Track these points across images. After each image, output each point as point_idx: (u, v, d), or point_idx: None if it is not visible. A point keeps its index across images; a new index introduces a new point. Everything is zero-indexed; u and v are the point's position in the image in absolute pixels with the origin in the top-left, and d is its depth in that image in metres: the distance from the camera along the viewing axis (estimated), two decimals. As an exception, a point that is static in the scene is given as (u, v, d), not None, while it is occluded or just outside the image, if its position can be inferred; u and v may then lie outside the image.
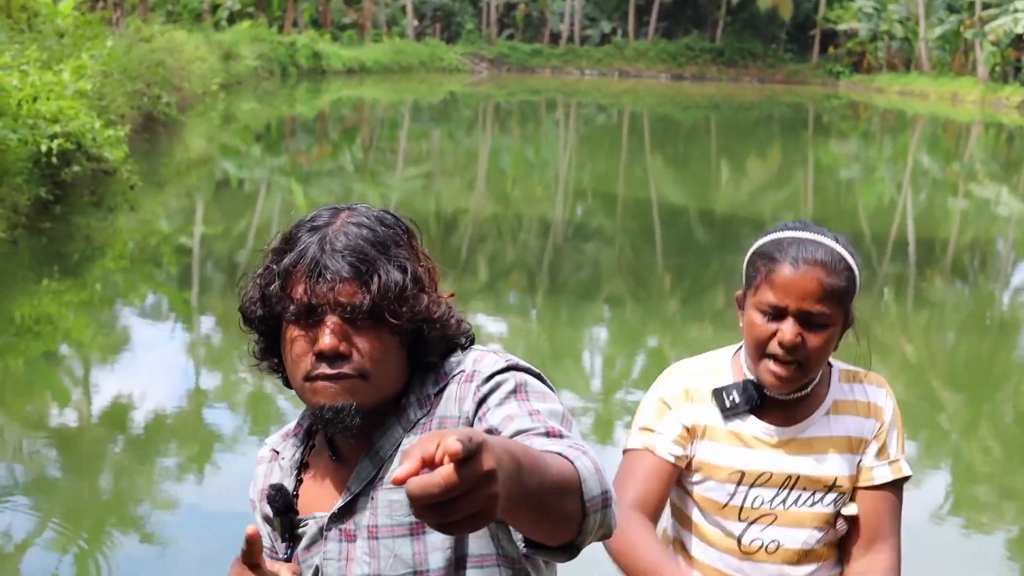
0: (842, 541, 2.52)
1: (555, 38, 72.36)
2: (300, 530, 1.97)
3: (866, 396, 2.50)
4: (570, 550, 1.60)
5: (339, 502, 1.91)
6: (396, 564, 1.85)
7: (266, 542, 2.04)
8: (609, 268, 12.79)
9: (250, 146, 24.76)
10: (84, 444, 6.84)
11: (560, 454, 1.59)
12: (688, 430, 2.49)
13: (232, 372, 8.61)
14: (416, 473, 1.28)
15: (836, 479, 2.46)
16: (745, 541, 2.50)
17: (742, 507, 2.48)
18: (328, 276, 1.82)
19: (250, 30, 43.88)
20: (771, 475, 2.46)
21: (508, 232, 15.38)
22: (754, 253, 2.44)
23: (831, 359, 2.51)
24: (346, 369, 1.82)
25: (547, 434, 1.71)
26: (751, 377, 2.46)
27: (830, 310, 2.33)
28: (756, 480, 2.46)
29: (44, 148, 12.38)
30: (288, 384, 1.95)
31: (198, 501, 6.08)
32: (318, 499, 1.96)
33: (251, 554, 1.78)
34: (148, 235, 13.41)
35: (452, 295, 1.97)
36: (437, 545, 1.84)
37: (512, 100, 47.14)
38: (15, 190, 11.80)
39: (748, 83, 67.08)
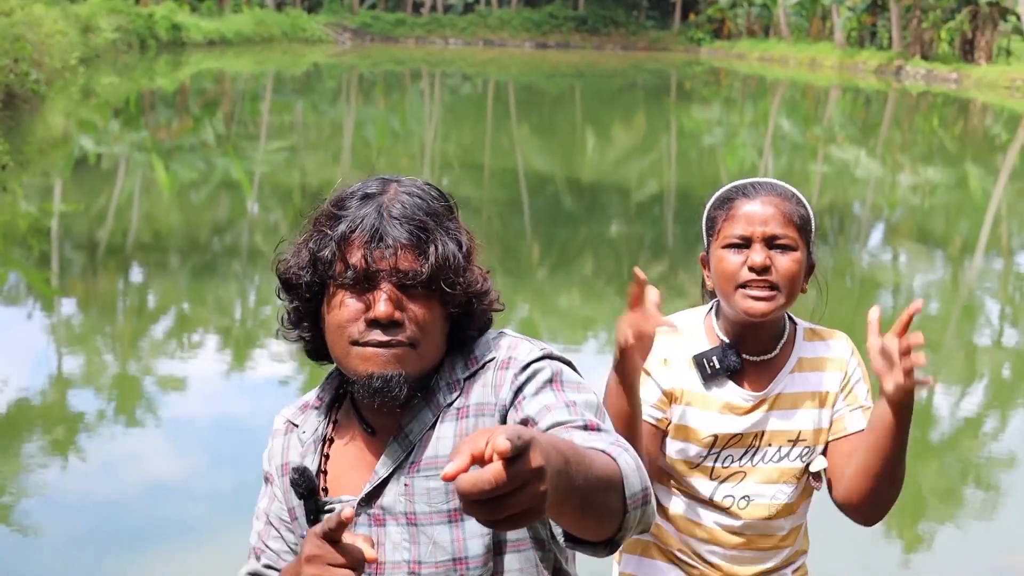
0: (830, 487, 2.55)
1: (418, 7, 71.95)
2: (326, 511, 1.93)
3: (829, 352, 2.56)
4: (610, 545, 1.61)
5: (367, 487, 1.89)
6: (435, 551, 1.85)
7: (283, 516, 2.01)
8: (477, 238, 12.79)
9: (110, 122, 24.14)
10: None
11: (603, 451, 1.60)
12: (667, 394, 2.53)
13: (96, 354, 8.42)
14: (465, 470, 1.26)
15: (800, 432, 2.51)
16: (717, 498, 2.55)
17: (713, 467, 2.54)
18: (388, 242, 1.83)
19: (107, 2, 42.72)
20: (741, 436, 2.51)
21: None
22: (710, 207, 2.53)
23: (796, 319, 2.59)
24: (400, 337, 1.83)
25: (585, 427, 1.73)
26: (726, 340, 2.52)
27: (792, 233, 2.42)
28: (728, 442, 2.52)
29: None
30: (314, 355, 1.95)
31: (63, 486, 5.94)
32: (343, 479, 1.93)
33: (336, 532, 1.70)
34: (19, 217, 13.00)
35: (489, 271, 1.97)
36: (476, 532, 1.84)
37: (376, 70, 46.77)
38: None
39: (611, 51, 67.60)
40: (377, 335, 1.83)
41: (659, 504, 2.62)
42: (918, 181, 19.71)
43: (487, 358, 1.90)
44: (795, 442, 2.52)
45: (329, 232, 1.88)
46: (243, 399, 7.62)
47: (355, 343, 1.84)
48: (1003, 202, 17.52)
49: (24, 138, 18.84)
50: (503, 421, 1.83)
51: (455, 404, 1.88)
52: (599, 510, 1.54)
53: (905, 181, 19.84)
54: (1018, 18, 42.34)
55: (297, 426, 2.03)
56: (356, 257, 1.84)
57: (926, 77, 44.07)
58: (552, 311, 9.84)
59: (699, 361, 2.50)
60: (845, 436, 2.53)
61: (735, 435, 2.51)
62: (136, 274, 11.28)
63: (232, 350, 8.66)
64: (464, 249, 1.91)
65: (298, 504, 1.96)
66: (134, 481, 6.07)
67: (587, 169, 20.22)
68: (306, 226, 1.96)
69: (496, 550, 1.86)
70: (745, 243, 2.43)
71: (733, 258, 2.43)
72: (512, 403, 1.84)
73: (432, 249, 1.84)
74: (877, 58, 48.98)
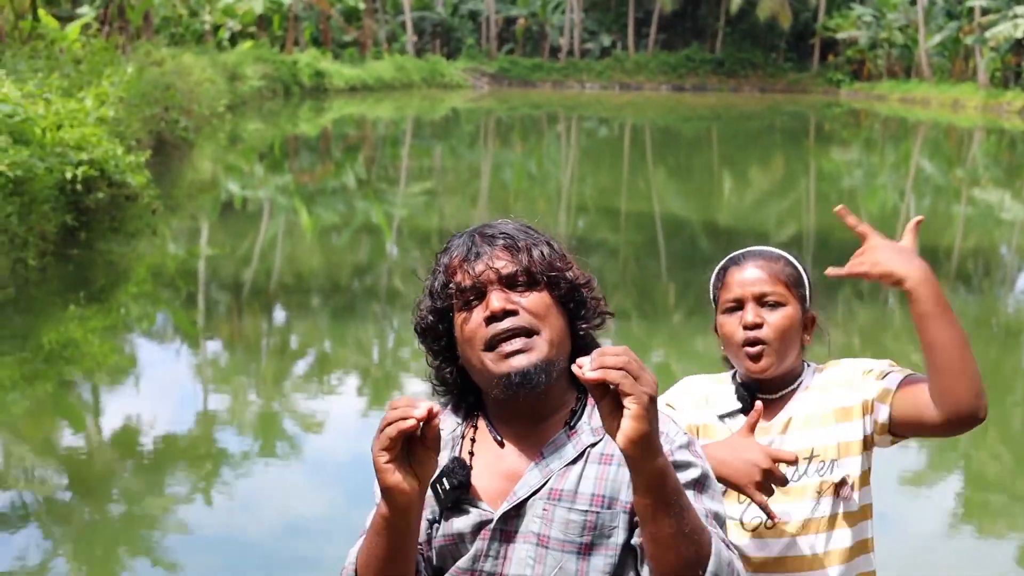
0: (917, 425, 2.62)
1: (555, 52, 72.43)
2: (462, 506, 2.06)
3: (839, 373, 2.71)
4: None
5: (506, 505, 2.02)
6: (559, 574, 1.98)
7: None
8: (613, 282, 12.80)
9: (255, 167, 24.81)
10: (95, 467, 6.86)
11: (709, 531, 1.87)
12: (688, 429, 2.65)
13: (239, 393, 8.63)
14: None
15: (812, 449, 2.65)
16: (746, 520, 2.68)
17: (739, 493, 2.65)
18: (484, 256, 2.04)
19: (253, 50, 43.97)
20: None
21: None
22: (712, 279, 2.79)
23: (808, 362, 2.77)
24: (518, 323, 2.00)
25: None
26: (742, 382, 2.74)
27: (779, 289, 2.65)
28: None
29: (69, 175, 12.57)
30: (461, 393, 2.12)
31: (205, 522, 6.10)
32: (479, 487, 2.06)
33: (430, 430, 1.88)
34: (168, 259, 13.47)
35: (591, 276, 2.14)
36: (599, 568, 1.98)
37: (514, 115, 47.20)
38: (43, 218, 11.97)
39: (749, 93, 67.12)
40: (497, 327, 2.00)
41: None
42: (1067, 224, 19.13)
43: None
44: (809, 459, 2.65)
45: (437, 267, 2.11)
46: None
47: (486, 348, 2.01)
48: None
49: (173, 183, 19.48)
50: None
51: (599, 448, 2.03)
52: (685, 546, 1.81)
53: (1053, 224, 19.27)
54: None
55: None
56: (461, 276, 2.05)
57: (1074, 117, 42.81)
58: (688, 355, 9.79)
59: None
60: (895, 393, 2.62)
61: None
62: (279, 315, 11.56)
63: (371, 389, 8.80)
64: (555, 248, 2.09)
65: (441, 495, 2.07)
66: (274, 518, 6.21)
67: (724, 212, 20.09)
68: (427, 279, 2.16)
69: None
70: (739, 305, 2.67)
71: (730, 321, 2.68)
72: None
73: (524, 248, 2.05)
74: (1022, 99, 47.75)
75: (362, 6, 59.14)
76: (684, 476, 1.97)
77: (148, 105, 20.98)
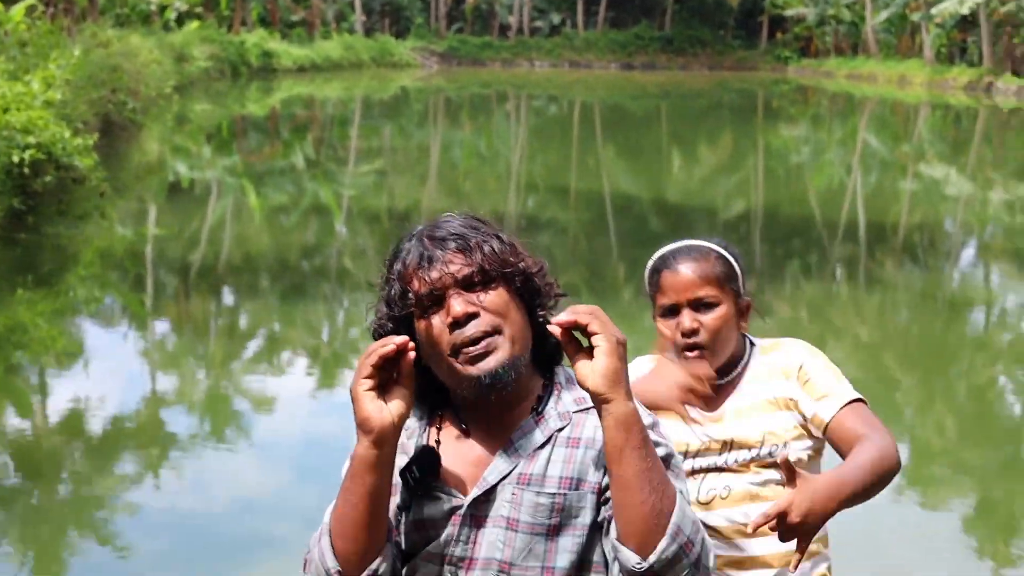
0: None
1: (504, 30, 72.31)
2: (433, 494, 2.09)
3: (781, 360, 2.80)
4: None
5: (476, 491, 2.06)
6: (529, 557, 2.03)
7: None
8: (564, 260, 12.84)
9: (203, 148, 24.63)
10: (44, 450, 6.82)
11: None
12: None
13: (188, 374, 8.60)
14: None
15: (763, 436, 2.76)
16: (701, 494, 2.79)
17: (693, 469, 2.79)
18: (437, 260, 2.05)
19: (200, 31, 43.56)
20: (710, 443, 2.80)
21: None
22: (646, 278, 2.85)
23: (752, 339, 2.87)
24: (481, 327, 2.02)
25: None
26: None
27: (713, 291, 2.74)
28: (699, 450, 2.80)
29: (16, 159, 12.43)
30: (426, 390, 2.11)
31: (155, 503, 6.08)
32: (448, 474, 2.10)
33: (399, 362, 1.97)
34: (116, 242, 13.34)
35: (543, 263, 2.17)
36: (567, 548, 2.04)
37: (463, 93, 47.11)
38: (-11, 202, 11.83)
39: (698, 70, 67.35)
40: (463, 333, 2.02)
41: None
42: (1010, 198, 19.38)
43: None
44: (762, 443, 2.76)
45: (391, 275, 2.11)
46: (331, 418, 7.74)
47: (452, 354, 2.03)
48: (1099, 219, 17.16)
49: (121, 165, 19.29)
50: None
51: (566, 432, 2.08)
52: (652, 490, 1.90)
53: (996, 198, 19.52)
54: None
55: None
56: (417, 284, 2.05)
57: (1017, 93, 43.28)
58: (638, 331, 9.84)
59: None
60: (828, 425, 2.70)
61: (704, 443, 2.79)
62: (227, 296, 11.51)
63: (320, 370, 8.79)
64: (506, 241, 2.10)
65: (409, 482, 2.10)
66: (224, 498, 6.20)
67: (673, 189, 20.19)
68: (379, 286, 2.17)
69: (580, 568, 2.04)
70: (675, 310, 2.76)
71: (668, 325, 2.78)
72: None
73: (476, 247, 2.06)
74: (967, 74, 48.24)
75: (310, -15, 58.73)
76: None
77: (95, 87, 20.76)
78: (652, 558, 1.89)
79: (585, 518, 2.03)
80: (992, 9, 45.17)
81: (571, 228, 15.22)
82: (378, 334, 2.11)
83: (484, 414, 2.11)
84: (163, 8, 46.26)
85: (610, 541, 1.96)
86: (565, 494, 2.03)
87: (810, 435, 2.76)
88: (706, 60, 69.66)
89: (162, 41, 36.49)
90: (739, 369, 2.82)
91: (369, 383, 1.96)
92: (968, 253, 14.98)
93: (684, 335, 2.74)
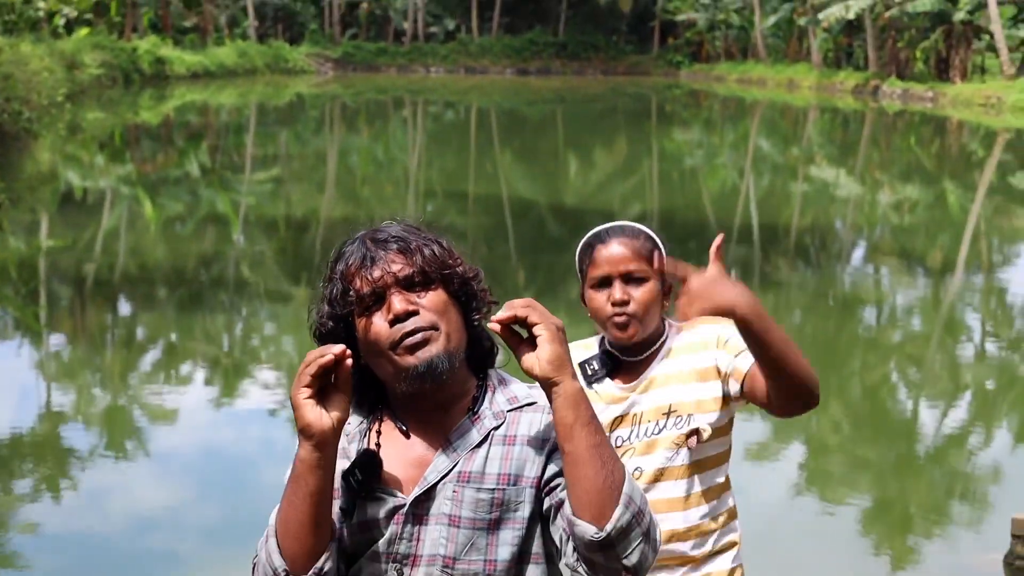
0: (765, 406, 2.86)
1: (399, 36, 72.17)
2: (376, 496, 2.16)
3: (698, 336, 2.97)
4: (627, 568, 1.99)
5: (417, 490, 2.14)
6: (471, 551, 2.12)
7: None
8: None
9: (96, 157, 24.20)
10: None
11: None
12: None
13: (84, 388, 8.46)
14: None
15: (670, 405, 2.92)
16: None
17: None
18: (379, 260, 2.16)
19: (90, 37, 42.81)
20: (623, 417, 2.95)
21: (360, 232, 15.33)
22: (578, 255, 3.01)
23: (670, 321, 3.01)
24: (420, 323, 2.12)
25: None
26: (607, 349, 2.99)
27: (643, 267, 2.88)
28: (613, 425, 2.95)
29: None
30: (363, 391, 2.20)
31: (52, 520, 5.98)
32: (389, 475, 2.17)
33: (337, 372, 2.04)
34: (9, 254, 13.03)
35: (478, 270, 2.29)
36: (507, 540, 2.13)
37: (359, 99, 46.92)
38: None
39: (592, 75, 67.87)
40: (403, 327, 2.11)
41: None
42: (897, 199, 19.87)
43: (529, 400, 2.22)
44: (668, 414, 2.92)
45: (333, 275, 2.20)
46: (231, 430, 7.68)
47: (391, 348, 2.12)
48: (981, 218, 17.68)
49: (14, 175, 18.89)
50: (548, 459, 2.15)
51: (501, 431, 2.18)
52: (603, 463, 1.99)
53: (884, 199, 20.00)
54: (991, 36, 42.70)
55: None
56: (359, 284, 2.15)
57: (902, 96, 44.38)
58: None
59: (582, 366, 2.95)
60: (746, 374, 2.85)
61: (617, 418, 2.95)
62: (124, 307, 11.34)
63: (220, 381, 8.71)
64: (444, 246, 2.23)
65: (351, 486, 2.17)
66: (123, 514, 6.12)
67: (570, 193, 20.34)
68: (320, 287, 2.25)
69: (520, 559, 2.14)
70: (606, 282, 2.90)
71: (599, 296, 2.92)
72: (553, 453, 2.14)
73: (416, 249, 2.18)
74: (854, 78, 49.32)
75: (201, -9, 58.00)
76: None
77: (-12, 97, 20.33)
78: (608, 527, 1.97)
79: (523, 511, 2.12)
80: (877, 14, 46.24)
81: (470, 233, 15.26)
82: (319, 332, 2.20)
83: (422, 415, 2.19)
84: (52, 15, 45.39)
85: (564, 519, 2.03)
86: (504, 489, 2.12)
87: (723, 406, 2.91)
88: (600, 65, 70.25)
89: (52, 48, 35.82)
90: (656, 346, 2.96)
91: (308, 391, 2.03)
92: (858, 253, 15.33)
93: (615, 304, 2.87)
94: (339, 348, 2.03)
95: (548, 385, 2.02)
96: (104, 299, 11.44)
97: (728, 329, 2.87)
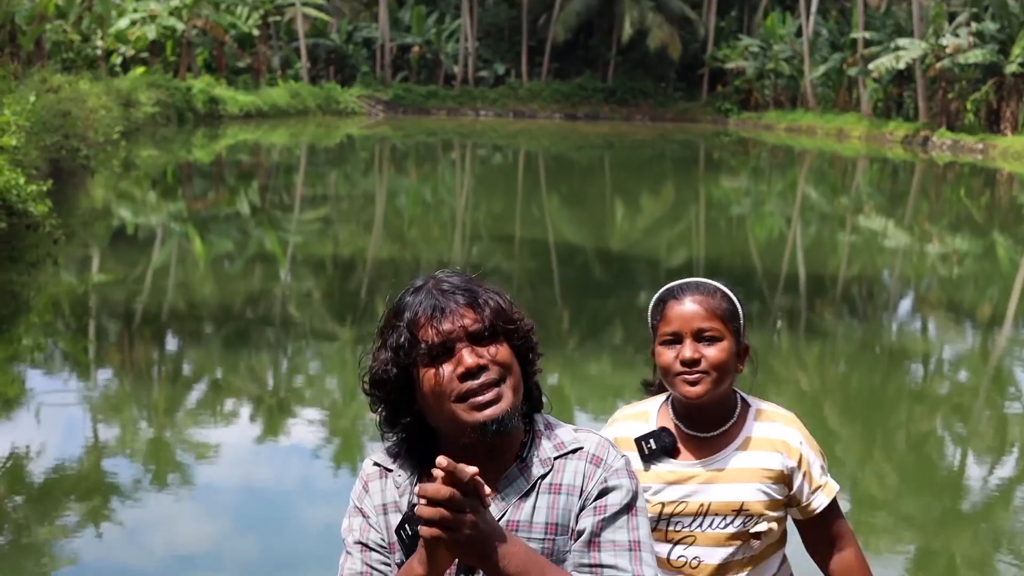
0: (811, 551, 2.98)
1: (450, 80, 72.66)
2: None
3: (777, 434, 2.89)
4: None
5: None
6: None
7: (381, 543, 2.27)
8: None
9: (148, 194, 24.50)
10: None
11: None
12: None
13: (130, 423, 8.53)
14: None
15: (742, 504, 2.83)
16: (672, 558, 2.87)
17: (666, 531, 2.86)
18: (449, 312, 2.17)
19: (146, 76, 43.46)
20: (687, 504, 2.84)
21: (406, 273, 15.42)
22: (650, 311, 2.92)
23: (749, 400, 2.95)
24: (491, 376, 2.15)
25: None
26: (673, 423, 2.90)
27: (717, 325, 2.81)
28: (675, 511, 2.85)
29: None
30: (415, 439, 2.24)
31: (95, 554, 6.02)
32: None
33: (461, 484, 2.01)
34: (64, 288, 13.21)
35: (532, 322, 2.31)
36: None
37: (408, 141, 47.23)
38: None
39: (640, 121, 67.99)
40: (472, 383, 2.14)
41: None
42: (946, 251, 19.73)
43: (575, 446, 2.24)
44: (739, 512, 2.85)
45: (399, 324, 2.20)
46: (273, 467, 7.71)
47: (458, 400, 2.15)
48: (1032, 271, 17.50)
49: (69, 211, 19.15)
50: (582, 508, 2.18)
51: (548, 479, 2.21)
52: None
53: (933, 251, 19.86)
54: (1045, 88, 42.47)
55: (391, 471, 2.31)
56: (429, 334, 2.16)
57: (952, 147, 44.12)
58: (582, 380, 9.91)
59: (639, 443, 2.87)
60: (811, 518, 2.93)
61: (680, 502, 2.85)
62: (171, 343, 11.44)
63: (263, 419, 8.76)
64: (506, 298, 2.26)
65: (403, 542, 2.21)
66: (163, 549, 6.16)
67: (616, 239, 20.34)
68: (377, 334, 2.25)
69: None
70: (677, 339, 2.82)
71: (668, 353, 2.83)
72: (594, 500, 2.18)
73: (484, 303, 2.20)
74: (904, 128, 49.10)
75: (256, 32, 58.75)
76: (617, 500, 2.19)
77: (48, 133, 20.66)
78: None
79: (571, 561, 2.16)
80: (928, 65, 46.06)
81: (516, 277, 15.29)
82: (379, 379, 2.21)
83: (471, 463, 2.18)
84: (109, 53, 46.12)
85: None
86: (553, 539, 2.16)
87: (781, 507, 2.89)
88: (648, 111, 70.34)
89: (109, 87, 36.37)
90: (729, 426, 2.88)
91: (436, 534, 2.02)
92: (905, 304, 15.21)
93: (684, 364, 2.79)
94: (473, 471, 2.01)
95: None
96: (152, 334, 11.56)
97: (808, 447, 2.89)
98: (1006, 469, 8.16)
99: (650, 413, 2.95)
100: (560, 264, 16.72)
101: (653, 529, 2.82)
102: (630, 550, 2.15)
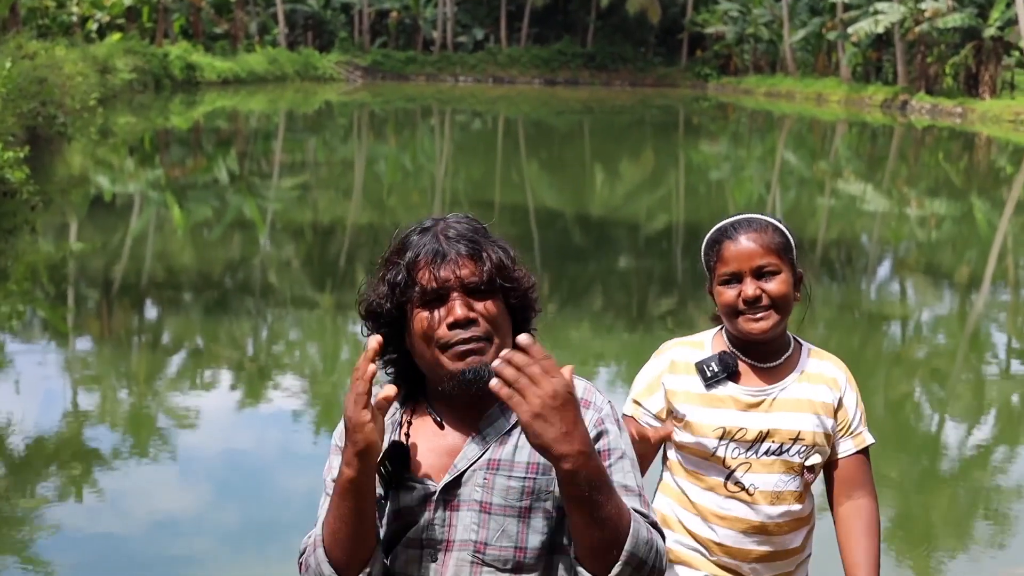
0: (828, 495, 3.08)
1: (428, 45, 72.37)
2: (407, 485, 2.23)
3: (829, 371, 2.99)
4: None
5: (447, 477, 2.20)
6: (502, 537, 2.17)
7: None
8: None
9: (126, 161, 24.35)
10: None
11: (633, 511, 2.08)
12: (668, 400, 3.00)
13: (110, 390, 8.52)
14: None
15: (799, 432, 2.93)
16: (729, 484, 2.97)
17: (724, 458, 2.95)
18: (449, 260, 2.19)
19: (122, 43, 43.13)
20: (746, 430, 2.93)
21: (384, 240, 15.34)
22: (704, 250, 2.98)
23: (801, 341, 3.04)
24: (477, 332, 2.17)
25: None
26: (730, 349, 2.98)
27: (774, 260, 2.86)
28: (735, 435, 2.93)
29: None
30: (402, 375, 2.27)
31: (74, 521, 6.02)
32: (421, 464, 2.24)
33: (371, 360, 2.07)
34: (41, 256, 13.14)
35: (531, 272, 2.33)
36: (538, 529, 2.18)
37: (387, 108, 47.05)
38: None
39: (620, 87, 67.88)
40: (459, 334, 2.16)
41: (684, 496, 3.05)
42: (924, 214, 19.80)
43: None
44: (795, 440, 2.93)
45: (400, 262, 2.23)
46: (253, 433, 7.72)
47: (443, 348, 2.17)
48: (1009, 234, 17.59)
49: (47, 178, 19.02)
50: None
51: None
52: (599, 532, 2.00)
53: (912, 214, 19.93)
54: (1021, 52, 42.53)
55: None
56: (426, 277, 2.19)
57: (931, 111, 44.23)
58: (563, 345, 9.93)
59: (699, 367, 2.95)
60: (836, 460, 3.01)
61: (740, 429, 2.92)
62: (150, 311, 11.41)
63: (243, 386, 8.75)
64: (510, 254, 2.27)
65: (384, 476, 2.22)
66: (145, 516, 6.16)
67: (596, 204, 20.34)
68: (379, 266, 2.29)
69: (551, 549, 2.19)
70: (736, 278, 2.87)
71: (729, 292, 2.88)
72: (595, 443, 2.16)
73: (486, 257, 2.21)
74: (883, 93, 49.18)
75: (232, -2, 58.35)
76: (613, 445, 2.21)
77: (24, 100, 20.49)
78: None
79: (554, 501, 2.18)
80: (906, 29, 46.09)
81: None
82: (372, 311, 2.24)
83: (456, 406, 2.24)
84: (85, 20, 45.74)
85: (571, 555, 2.11)
86: (535, 478, 2.17)
87: (828, 443, 2.97)
88: (628, 76, 70.25)
89: (85, 53, 36.10)
90: (784, 359, 2.96)
91: (368, 414, 2.05)
92: (884, 268, 15.27)
93: (747, 302, 2.85)
94: (376, 340, 2.06)
95: (553, 459, 1.97)
96: (131, 302, 11.52)
97: (851, 392, 2.99)
98: (983, 431, 8.23)
99: (705, 343, 3.02)
100: (540, 229, 16.72)
101: (711, 455, 2.95)
102: (639, 495, 2.18)
